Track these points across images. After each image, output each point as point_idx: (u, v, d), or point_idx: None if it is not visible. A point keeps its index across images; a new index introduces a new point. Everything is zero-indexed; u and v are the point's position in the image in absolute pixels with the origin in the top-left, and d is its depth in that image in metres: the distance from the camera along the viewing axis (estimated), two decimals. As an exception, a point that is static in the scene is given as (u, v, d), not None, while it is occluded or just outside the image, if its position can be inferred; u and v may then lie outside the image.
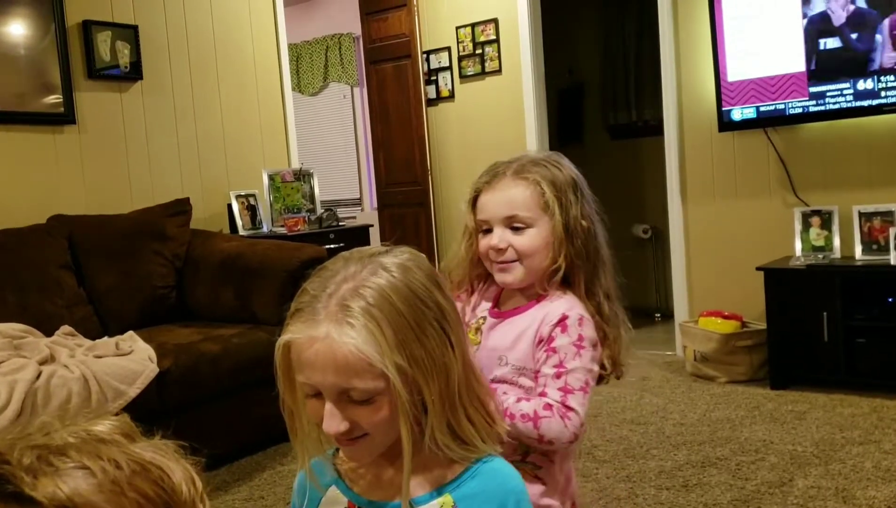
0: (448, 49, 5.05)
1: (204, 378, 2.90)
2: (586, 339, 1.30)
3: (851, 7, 3.52)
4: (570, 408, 1.25)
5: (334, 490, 1.00)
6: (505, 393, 1.29)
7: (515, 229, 1.34)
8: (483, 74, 4.93)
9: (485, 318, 1.41)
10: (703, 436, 3.00)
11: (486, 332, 1.38)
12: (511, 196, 1.34)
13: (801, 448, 2.80)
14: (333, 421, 0.90)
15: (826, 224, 3.73)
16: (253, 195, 4.29)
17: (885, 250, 3.51)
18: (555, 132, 5.37)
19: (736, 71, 3.84)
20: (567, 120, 5.90)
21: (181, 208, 3.72)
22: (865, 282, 3.44)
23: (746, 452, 2.81)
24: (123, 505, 0.54)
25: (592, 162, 5.68)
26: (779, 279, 3.57)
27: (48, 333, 2.90)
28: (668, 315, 5.00)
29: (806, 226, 3.77)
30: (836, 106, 3.60)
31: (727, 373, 3.72)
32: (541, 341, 1.31)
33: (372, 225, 4.73)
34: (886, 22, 3.44)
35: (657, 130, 4.71)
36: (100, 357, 2.66)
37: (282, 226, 4.25)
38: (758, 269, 3.65)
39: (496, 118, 4.88)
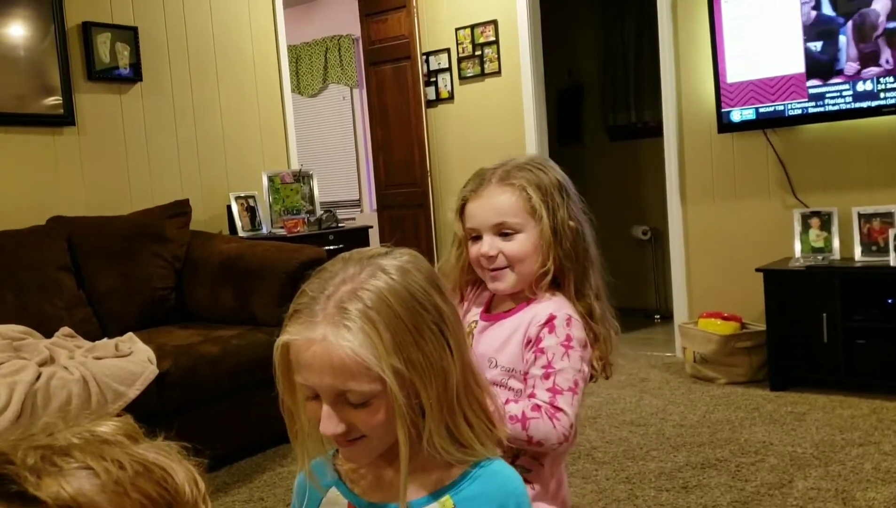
0: (447, 51, 5.06)
1: (203, 380, 2.90)
2: (575, 339, 1.30)
3: (813, 14, 3.55)
4: (558, 409, 1.25)
5: (334, 492, 1.00)
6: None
7: (504, 236, 1.35)
8: (482, 75, 4.94)
9: (476, 322, 1.41)
10: (702, 438, 3.00)
11: (476, 336, 1.39)
12: (498, 203, 1.34)
13: (800, 450, 2.80)
14: (330, 423, 0.90)
15: (825, 225, 3.73)
16: (252, 197, 4.29)
17: (884, 251, 3.51)
18: (554, 134, 5.38)
19: (735, 72, 3.85)
20: (566, 121, 5.90)
21: (181, 209, 3.71)
22: (865, 283, 3.45)
23: (746, 453, 2.81)
24: (126, 506, 0.54)
25: (592, 163, 5.71)
26: (778, 281, 3.58)
27: (48, 334, 2.90)
28: (668, 317, 5.00)
29: (805, 227, 3.78)
30: (836, 107, 3.60)
31: (727, 374, 3.72)
32: (529, 342, 1.31)
33: (371, 226, 4.73)
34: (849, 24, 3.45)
35: (656, 131, 4.72)
36: (99, 359, 2.66)
37: (281, 227, 4.25)
38: (757, 270, 3.65)
39: (496, 120, 4.89)
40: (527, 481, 1.31)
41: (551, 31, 5.22)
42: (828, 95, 3.62)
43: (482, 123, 4.94)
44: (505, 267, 1.35)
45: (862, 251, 3.59)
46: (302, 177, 4.52)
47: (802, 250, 3.76)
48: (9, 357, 2.56)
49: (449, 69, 5.07)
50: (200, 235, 3.78)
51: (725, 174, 4.10)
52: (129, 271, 3.41)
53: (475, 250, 1.37)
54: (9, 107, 3.46)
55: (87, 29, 3.72)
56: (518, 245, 1.34)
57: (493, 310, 1.42)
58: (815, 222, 3.76)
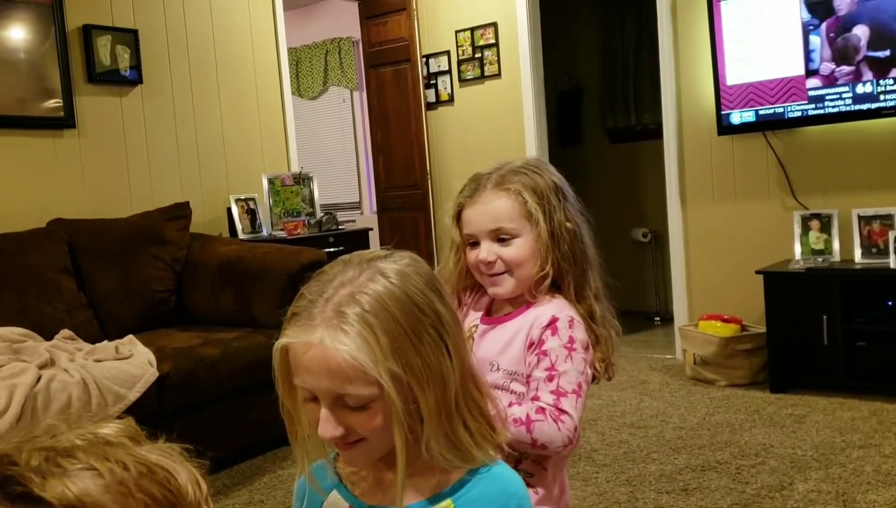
0: (447, 53, 5.06)
1: (203, 382, 2.90)
2: (577, 341, 1.30)
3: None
4: (563, 411, 1.24)
5: (335, 495, 0.99)
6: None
7: (502, 241, 1.34)
8: (482, 77, 4.94)
9: (476, 326, 1.41)
10: (702, 440, 3.00)
11: (477, 339, 1.39)
12: (494, 209, 1.34)
13: (801, 452, 2.80)
14: (328, 426, 0.89)
15: (825, 228, 3.74)
16: (252, 199, 4.29)
17: (884, 253, 3.52)
18: (554, 136, 5.38)
19: (735, 74, 3.85)
20: (566, 124, 5.90)
21: (181, 212, 3.72)
22: (865, 285, 3.45)
23: (746, 456, 2.81)
24: (131, 506, 0.54)
25: (592, 166, 5.72)
26: (778, 283, 3.58)
27: (48, 337, 2.90)
28: (668, 319, 5.00)
29: (805, 229, 3.78)
30: (836, 110, 3.61)
31: (727, 377, 3.72)
32: (531, 344, 1.31)
33: (371, 229, 4.73)
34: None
35: (656, 133, 4.72)
36: (99, 361, 2.66)
37: (281, 230, 4.25)
38: (757, 272, 3.65)
39: (495, 122, 4.89)
40: (530, 486, 1.30)
41: (551, 33, 5.22)
42: (827, 98, 3.62)
43: (482, 125, 4.95)
44: (504, 272, 1.35)
45: (862, 253, 3.59)
46: (302, 179, 4.52)
47: (802, 253, 3.76)
48: (9, 360, 2.56)
49: (449, 72, 5.07)
50: (200, 237, 3.78)
51: (725, 176, 4.11)
52: (130, 273, 3.42)
53: (473, 256, 1.37)
54: (9, 109, 3.46)
55: (88, 32, 3.72)
56: (516, 250, 1.34)
57: (493, 314, 1.42)
58: (815, 224, 3.76)
